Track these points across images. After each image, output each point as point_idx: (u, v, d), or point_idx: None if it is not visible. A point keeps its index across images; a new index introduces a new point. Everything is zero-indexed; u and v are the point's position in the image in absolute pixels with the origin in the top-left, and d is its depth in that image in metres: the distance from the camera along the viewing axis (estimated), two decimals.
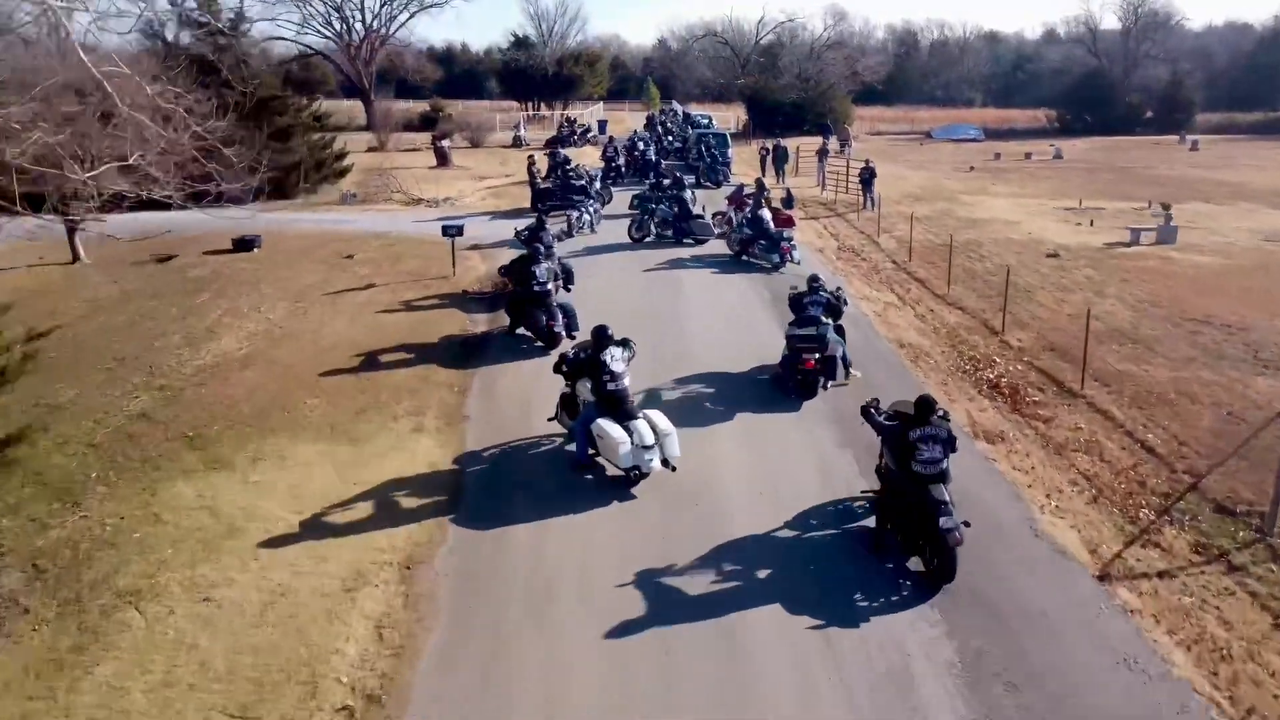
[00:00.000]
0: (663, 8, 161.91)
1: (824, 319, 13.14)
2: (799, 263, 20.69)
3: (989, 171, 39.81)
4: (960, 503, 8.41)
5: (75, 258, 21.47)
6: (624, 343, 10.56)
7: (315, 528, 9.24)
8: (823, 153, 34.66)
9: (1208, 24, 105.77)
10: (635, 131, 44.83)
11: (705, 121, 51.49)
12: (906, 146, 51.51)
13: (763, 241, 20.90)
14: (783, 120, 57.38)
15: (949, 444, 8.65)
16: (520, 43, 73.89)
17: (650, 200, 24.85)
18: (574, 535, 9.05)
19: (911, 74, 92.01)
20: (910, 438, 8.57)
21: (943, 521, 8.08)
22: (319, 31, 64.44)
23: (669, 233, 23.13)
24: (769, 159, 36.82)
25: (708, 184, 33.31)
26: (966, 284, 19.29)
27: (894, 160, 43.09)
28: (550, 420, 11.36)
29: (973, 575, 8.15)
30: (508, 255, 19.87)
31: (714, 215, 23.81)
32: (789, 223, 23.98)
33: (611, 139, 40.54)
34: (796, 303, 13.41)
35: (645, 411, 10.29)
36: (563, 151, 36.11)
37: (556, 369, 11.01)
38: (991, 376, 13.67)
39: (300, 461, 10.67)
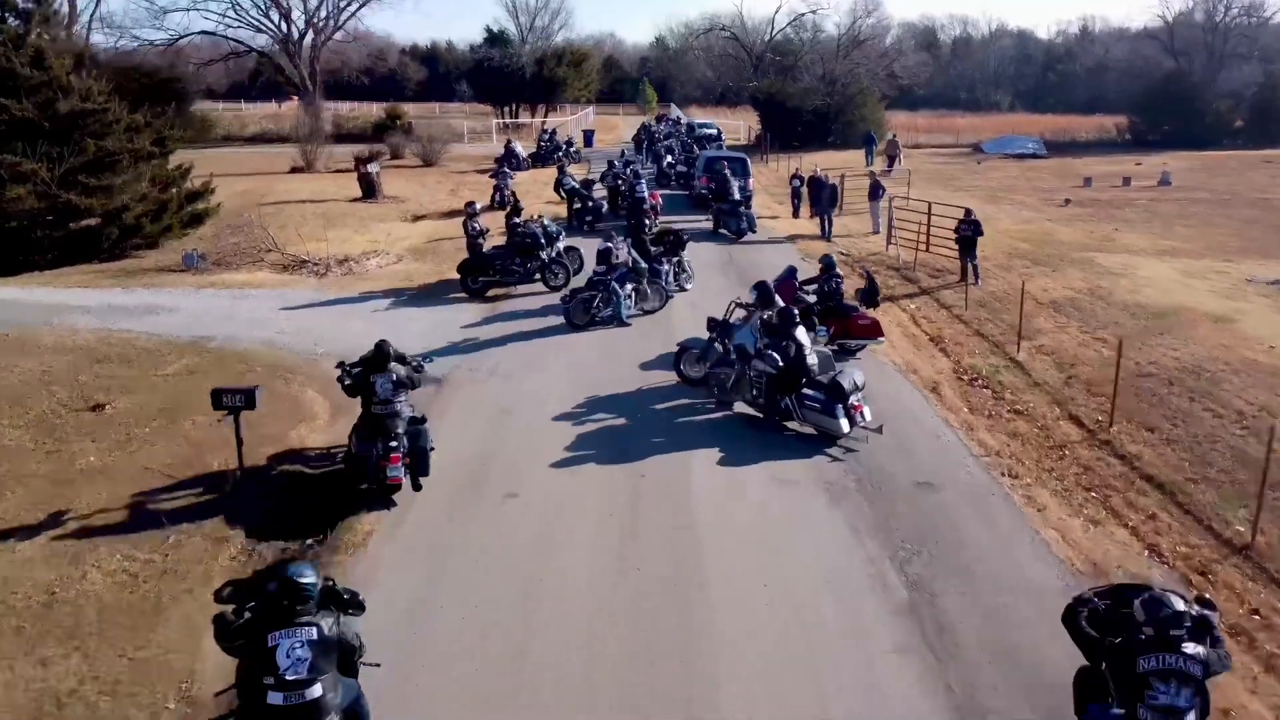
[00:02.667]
0: (661, 4, 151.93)
1: None
2: (879, 429, 10.81)
3: (1091, 206, 30.04)
4: None
5: None
6: None
7: None
8: (878, 189, 24.81)
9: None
10: (624, 151, 34.63)
11: (713, 132, 41.77)
12: (960, 165, 41.73)
13: (809, 393, 10.79)
14: (802, 130, 47.74)
15: None
16: (495, 39, 64.04)
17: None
18: None
19: (935, 75, 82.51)
20: None
21: None
22: (255, 24, 54.67)
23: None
24: (803, 193, 26.68)
25: (725, 231, 23.58)
26: (1275, 508, 9.56)
27: (956, 186, 33.42)
28: None
29: None
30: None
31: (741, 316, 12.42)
32: (873, 331, 14.23)
33: (563, 163, 30.74)
34: (1122, 661, 4.54)
35: None
36: (510, 179, 26.34)
37: None
38: None
39: None
